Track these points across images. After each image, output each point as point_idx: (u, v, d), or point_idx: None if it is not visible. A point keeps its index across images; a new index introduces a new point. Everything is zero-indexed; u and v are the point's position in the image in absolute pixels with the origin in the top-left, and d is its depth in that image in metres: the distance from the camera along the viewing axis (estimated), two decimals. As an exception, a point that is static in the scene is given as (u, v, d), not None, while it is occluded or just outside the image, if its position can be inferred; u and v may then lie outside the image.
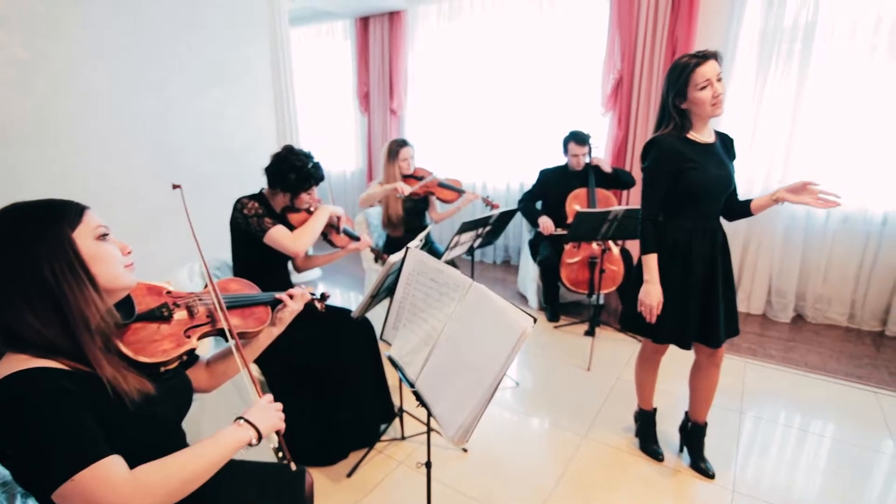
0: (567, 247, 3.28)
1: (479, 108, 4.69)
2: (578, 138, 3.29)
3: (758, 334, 3.31)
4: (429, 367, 1.27)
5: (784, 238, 3.47)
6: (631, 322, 1.92)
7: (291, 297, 1.29)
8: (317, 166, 2.06)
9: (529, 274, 3.70)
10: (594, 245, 3.16)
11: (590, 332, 3.19)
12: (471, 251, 2.67)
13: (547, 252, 3.40)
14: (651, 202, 1.78)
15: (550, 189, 3.48)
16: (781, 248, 3.49)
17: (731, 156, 1.86)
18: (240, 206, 1.96)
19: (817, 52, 3.19)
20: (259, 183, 2.16)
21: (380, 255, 2.36)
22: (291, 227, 2.04)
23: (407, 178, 3.06)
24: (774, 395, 2.58)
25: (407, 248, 1.49)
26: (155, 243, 2.94)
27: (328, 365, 1.93)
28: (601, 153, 3.85)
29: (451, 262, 2.73)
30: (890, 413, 2.41)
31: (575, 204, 3.30)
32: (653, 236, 1.78)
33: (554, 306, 3.49)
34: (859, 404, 2.48)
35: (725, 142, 1.86)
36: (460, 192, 3.09)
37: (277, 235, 1.93)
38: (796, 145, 3.33)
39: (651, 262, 1.77)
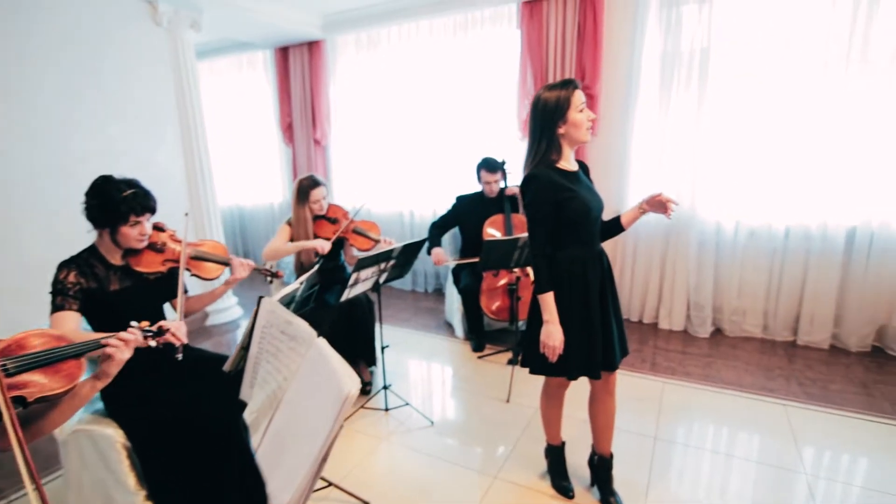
0: (486, 275, 3.22)
1: (403, 137, 4.65)
2: (489, 165, 3.27)
3: (679, 352, 3.33)
4: (269, 433, 1.13)
5: (698, 254, 3.55)
6: (536, 364, 1.84)
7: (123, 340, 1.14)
8: (137, 195, 1.72)
9: (455, 303, 3.62)
10: (512, 272, 3.11)
11: (513, 361, 3.12)
12: (377, 287, 2.55)
13: (468, 280, 3.33)
14: (539, 237, 1.73)
15: (466, 216, 3.43)
16: (696, 263, 3.56)
17: (590, 181, 1.86)
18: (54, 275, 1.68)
19: (713, 73, 3.33)
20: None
21: (271, 273, 2.21)
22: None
23: (319, 219, 2.91)
24: (689, 415, 2.57)
25: (260, 299, 1.36)
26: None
27: (197, 421, 1.72)
28: (519, 178, 3.85)
29: (369, 292, 2.60)
30: (797, 425, 2.42)
31: (491, 230, 3.26)
32: (547, 274, 1.72)
33: (479, 335, 3.40)
34: (768, 419, 2.49)
35: (584, 169, 1.86)
36: (375, 240, 2.93)
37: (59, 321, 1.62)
38: (702, 163, 3.43)
39: (549, 301, 1.71)
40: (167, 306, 1.99)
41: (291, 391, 1.09)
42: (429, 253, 3.36)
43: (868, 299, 3.13)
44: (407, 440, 2.44)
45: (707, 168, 3.44)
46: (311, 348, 1.09)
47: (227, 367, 1.67)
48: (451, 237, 3.87)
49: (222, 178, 5.92)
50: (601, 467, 1.97)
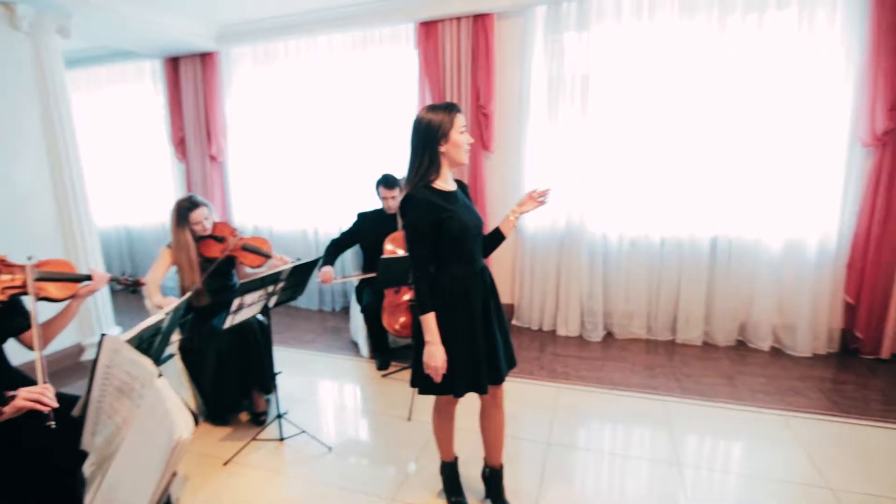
0: (387, 292, 3.20)
1: (305, 153, 4.53)
2: (387, 182, 3.28)
3: (575, 357, 3.51)
4: (102, 489, 1.03)
5: (589, 263, 3.78)
6: (423, 384, 1.84)
7: None
8: None
9: (359, 321, 3.56)
10: (412, 288, 3.12)
11: (416, 378, 3.11)
12: (266, 311, 2.44)
13: (369, 298, 3.29)
14: (420, 259, 1.74)
15: (367, 232, 3.40)
16: (588, 272, 3.79)
17: (469, 200, 1.93)
18: None
19: (594, 96, 3.59)
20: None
21: (132, 283, 2.06)
22: None
23: (205, 239, 2.74)
24: (581, 418, 2.70)
25: (103, 336, 1.24)
26: None
27: (37, 476, 1.52)
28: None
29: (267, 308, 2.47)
30: (675, 419, 2.63)
31: (390, 246, 3.26)
32: (427, 295, 1.73)
33: (383, 353, 3.37)
34: (650, 415, 2.69)
35: (462, 188, 1.94)
36: (266, 256, 2.81)
37: None
38: (589, 180, 3.68)
39: (430, 322, 1.72)
40: (12, 346, 1.76)
41: (128, 439, 1.00)
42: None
43: (730, 299, 3.51)
44: (303, 470, 2.34)
45: (593, 184, 3.70)
46: (150, 390, 1.01)
47: (75, 411, 1.51)
48: (353, 253, 3.81)
49: (106, 196, 5.44)
50: (493, 479, 2.01)
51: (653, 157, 3.55)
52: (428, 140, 1.73)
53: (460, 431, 2.06)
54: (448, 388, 1.80)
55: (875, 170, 3.07)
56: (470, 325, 1.78)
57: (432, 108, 1.73)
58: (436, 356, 1.71)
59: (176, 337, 2.71)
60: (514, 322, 4.09)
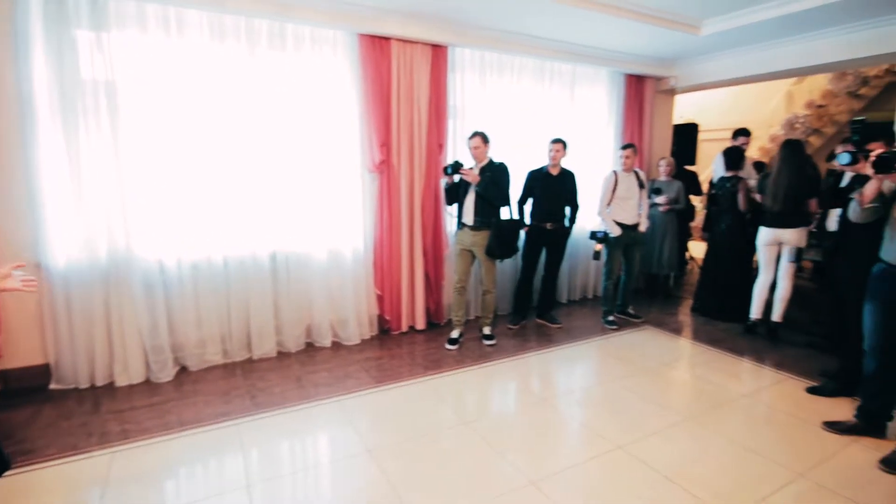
0: None
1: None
2: None
3: (142, 406, 3.04)
4: None
5: (146, 295, 3.36)
6: None
7: None
8: None
9: None
10: None
11: None
12: None
13: None
14: None
15: None
16: (146, 306, 3.36)
17: None
18: None
19: (127, 110, 3.18)
20: None
21: None
22: None
23: None
24: (140, 481, 2.34)
25: None
26: None
27: None
28: None
29: None
30: (249, 442, 2.65)
31: None
32: None
33: None
34: (223, 444, 2.62)
35: None
36: None
37: None
38: (132, 202, 3.25)
39: None
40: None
41: None
42: None
43: (294, 307, 3.87)
44: None
45: (139, 207, 3.29)
46: None
47: None
48: None
49: None
50: None
51: (202, 178, 3.46)
52: None
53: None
54: None
55: (380, 190, 4.02)
56: None
57: None
58: None
59: None
60: (53, 386, 3.20)
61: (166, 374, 3.42)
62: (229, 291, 3.65)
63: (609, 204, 4.50)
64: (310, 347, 4.00)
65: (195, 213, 3.47)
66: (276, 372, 3.54)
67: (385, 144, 3.92)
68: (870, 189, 2.48)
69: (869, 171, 2.36)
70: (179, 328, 3.52)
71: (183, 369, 3.57)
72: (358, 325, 4.07)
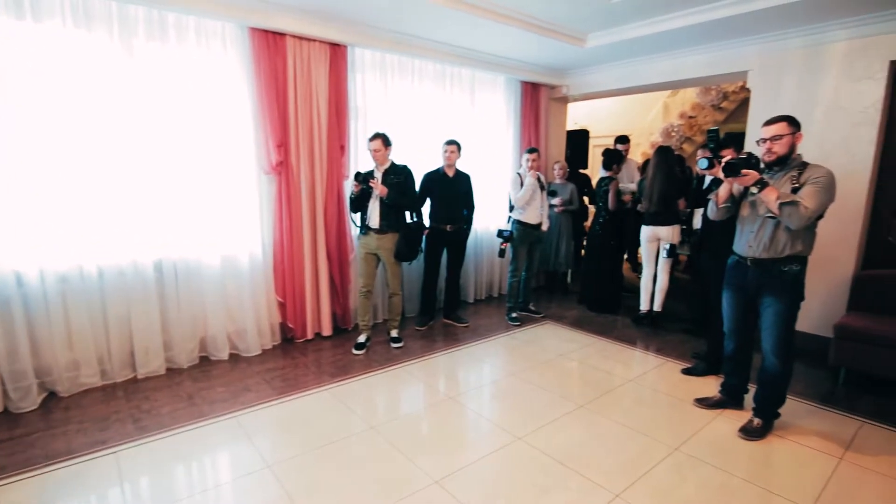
0: None
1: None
2: None
3: (5, 440, 2.65)
4: None
5: (1, 315, 2.93)
6: None
7: None
8: None
9: None
10: None
11: None
12: None
13: None
14: None
15: None
16: (1, 327, 2.94)
17: None
18: None
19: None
20: None
21: None
22: None
23: None
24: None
25: None
26: None
27: None
28: None
29: None
30: (128, 470, 2.41)
31: None
32: None
33: None
34: (96, 478, 2.36)
35: None
36: None
37: None
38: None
39: None
40: None
41: None
42: None
43: (186, 319, 3.58)
44: None
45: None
46: None
47: None
48: None
49: None
50: None
51: (71, 179, 3.09)
52: None
53: None
54: None
55: (278, 192, 3.85)
56: None
57: None
58: None
59: None
60: None
61: (29, 402, 3.00)
62: (106, 305, 3.29)
63: (528, 203, 4.60)
64: (204, 362, 3.73)
65: (62, 218, 3.09)
66: (165, 391, 3.26)
67: (282, 145, 3.76)
68: (723, 191, 2.83)
69: (720, 175, 2.69)
70: (45, 350, 3.11)
71: (51, 395, 3.16)
72: (258, 334, 3.87)
